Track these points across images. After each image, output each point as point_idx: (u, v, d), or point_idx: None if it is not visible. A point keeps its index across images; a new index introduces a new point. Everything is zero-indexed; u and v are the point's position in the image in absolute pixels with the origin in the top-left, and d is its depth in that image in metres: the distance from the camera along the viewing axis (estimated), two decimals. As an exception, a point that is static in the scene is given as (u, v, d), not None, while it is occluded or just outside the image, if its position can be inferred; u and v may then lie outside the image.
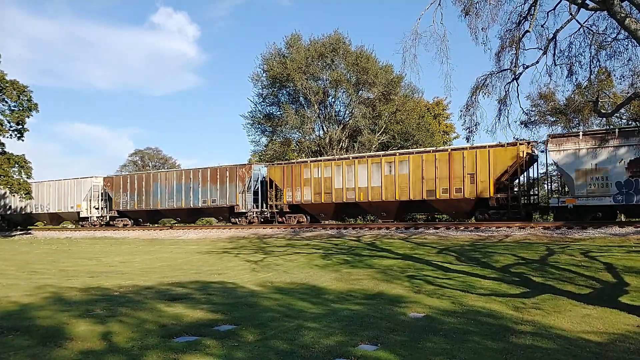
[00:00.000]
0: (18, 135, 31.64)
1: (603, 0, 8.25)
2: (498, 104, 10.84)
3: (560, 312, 8.14)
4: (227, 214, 29.17)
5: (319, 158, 27.30)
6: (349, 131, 39.62)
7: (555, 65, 10.66)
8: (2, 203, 38.04)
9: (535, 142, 21.56)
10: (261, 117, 41.77)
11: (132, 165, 66.66)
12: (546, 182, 21.12)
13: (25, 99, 31.15)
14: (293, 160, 27.57)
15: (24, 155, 31.82)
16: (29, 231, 36.22)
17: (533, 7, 9.83)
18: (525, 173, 22.10)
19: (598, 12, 9.49)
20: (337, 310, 8.29)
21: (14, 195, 33.87)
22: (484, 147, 21.48)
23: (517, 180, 21.91)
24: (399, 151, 25.14)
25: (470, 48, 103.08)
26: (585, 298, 9.13)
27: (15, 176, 31.22)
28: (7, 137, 31.49)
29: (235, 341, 6.24)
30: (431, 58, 43.59)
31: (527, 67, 10.45)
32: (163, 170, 31.83)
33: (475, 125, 10.94)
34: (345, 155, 26.31)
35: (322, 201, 25.70)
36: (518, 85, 10.62)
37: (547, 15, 10.27)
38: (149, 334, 6.57)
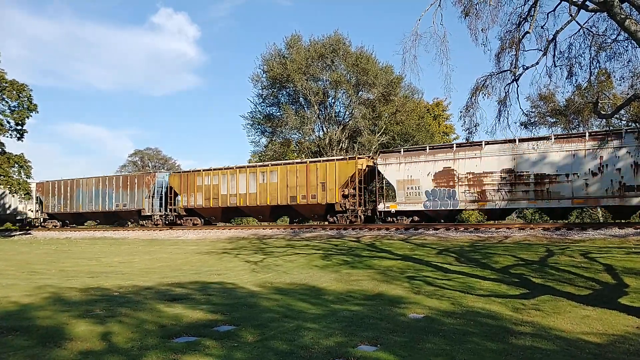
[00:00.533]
0: (18, 135, 31.66)
1: (603, 2, 8.26)
2: (498, 105, 10.85)
3: (559, 313, 8.14)
4: (137, 217, 32.39)
5: (210, 167, 29.94)
6: (349, 132, 39.61)
7: (555, 66, 10.67)
8: None
9: (375, 155, 24.73)
10: (261, 117, 41.77)
11: (131, 165, 66.54)
12: (379, 190, 24.86)
13: (26, 98, 31.15)
14: (189, 170, 30.54)
15: (22, 154, 31.85)
16: (29, 231, 36.42)
17: (533, 9, 9.84)
18: (373, 182, 25.29)
19: (598, 13, 9.51)
20: (336, 311, 8.29)
21: None
22: (332, 160, 25.42)
23: (366, 188, 25.53)
24: (270, 162, 28.69)
25: (470, 49, 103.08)
26: (584, 299, 9.13)
27: (14, 176, 31.22)
28: (7, 137, 31.53)
29: (234, 342, 6.25)
30: (431, 59, 43.55)
31: (527, 68, 10.46)
32: (85, 177, 34.99)
33: (475, 126, 10.97)
34: (230, 166, 29.10)
35: (211, 206, 28.97)
36: (518, 86, 10.64)
37: (547, 17, 10.28)
38: (149, 334, 6.57)
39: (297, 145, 42.70)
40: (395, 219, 23.39)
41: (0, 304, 8.60)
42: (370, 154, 24.72)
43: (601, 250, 14.00)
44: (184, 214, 30.35)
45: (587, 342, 6.56)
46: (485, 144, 21.38)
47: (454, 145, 22.31)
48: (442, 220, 23.09)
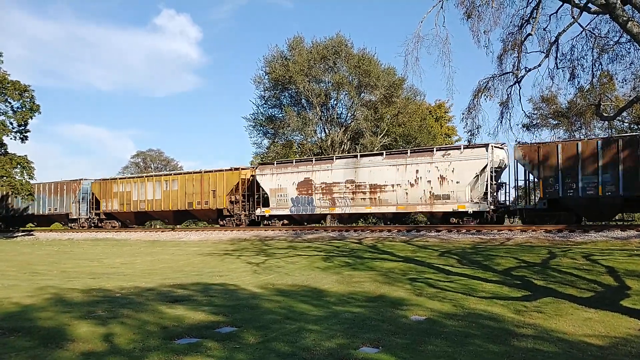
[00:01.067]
0: (21, 137, 31.74)
1: (605, 4, 8.25)
2: (500, 107, 10.82)
3: (561, 316, 8.13)
4: (66, 220, 35.81)
5: (124, 176, 33.58)
6: (351, 133, 39.61)
7: (558, 68, 10.64)
8: None
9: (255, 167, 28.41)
10: (263, 119, 41.78)
11: (134, 167, 66.55)
12: (258, 197, 27.48)
13: (28, 99, 31.24)
14: (107, 178, 34.14)
15: (26, 156, 31.94)
16: (31, 232, 36.58)
17: (535, 11, 9.84)
18: (259, 190, 27.79)
19: (600, 15, 9.49)
20: (338, 312, 8.29)
21: None
22: (222, 170, 28.42)
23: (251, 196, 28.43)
24: (173, 172, 31.70)
25: (472, 51, 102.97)
26: (586, 301, 9.11)
27: (17, 177, 31.30)
28: (11, 138, 31.61)
29: (236, 343, 6.25)
30: (433, 61, 43.44)
31: (529, 70, 10.43)
32: None
33: (477, 128, 10.93)
34: (140, 175, 32.29)
35: (125, 210, 32.47)
36: (520, 88, 10.60)
37: (550, 19, 10.26)
38: (151, 335, 6.58)
39: (299, 147, 42.71)
40: (270, 222, 26.77)
41: (2, 304, 8.62)
42: (256, 165, 28.45)
43: (603, 253, 13.96)
44: (104, 217, 33.98)
45: (589, 345, 6.55)
46: (336, 158, 25.11)
47: (313, 159, 25.98)
48: (305, 223, 26.64)
